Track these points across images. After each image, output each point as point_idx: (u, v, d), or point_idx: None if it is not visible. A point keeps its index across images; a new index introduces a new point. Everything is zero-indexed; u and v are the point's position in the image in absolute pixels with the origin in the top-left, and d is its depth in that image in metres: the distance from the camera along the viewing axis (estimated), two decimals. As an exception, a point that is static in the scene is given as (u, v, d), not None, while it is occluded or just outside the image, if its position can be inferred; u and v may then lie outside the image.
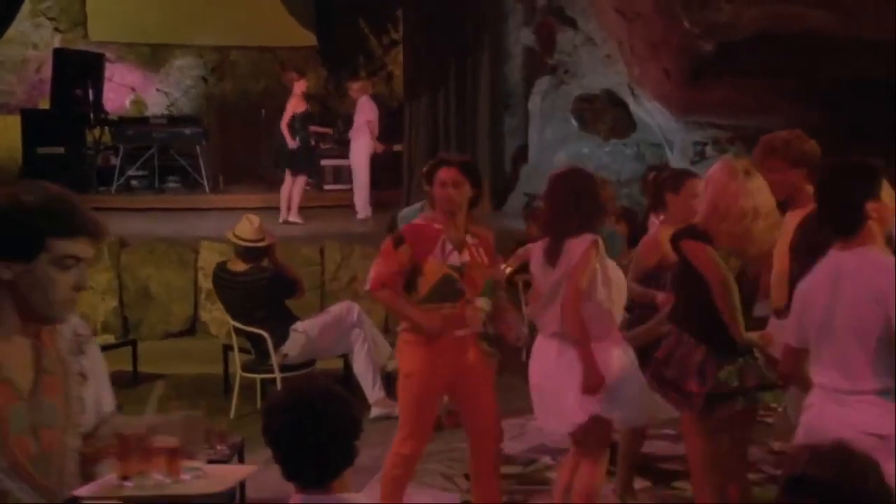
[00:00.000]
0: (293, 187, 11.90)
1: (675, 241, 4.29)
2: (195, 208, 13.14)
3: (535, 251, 4.72)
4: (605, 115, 12.00)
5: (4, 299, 2.36)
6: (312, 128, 12.42)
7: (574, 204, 4.49)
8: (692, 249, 4.19)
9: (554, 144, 12.56)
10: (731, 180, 4.12)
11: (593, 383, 4.43)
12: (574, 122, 12.33)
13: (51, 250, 2.38)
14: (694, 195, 4.99)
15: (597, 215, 4.61)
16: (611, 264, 4.62)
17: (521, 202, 11.97)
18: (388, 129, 13.03)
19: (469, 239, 4.79)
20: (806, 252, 3.84)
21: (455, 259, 4.73)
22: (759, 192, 4.13)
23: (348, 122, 12.87)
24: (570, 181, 4.61)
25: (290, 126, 11.73)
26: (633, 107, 11.45)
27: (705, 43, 8.19)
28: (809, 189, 4.23)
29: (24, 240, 2.36)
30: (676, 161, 10.22)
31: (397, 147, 13.38)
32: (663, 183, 5.28)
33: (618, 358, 4.57)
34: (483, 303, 5.13)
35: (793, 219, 4.32)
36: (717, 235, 4.14)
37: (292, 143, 11.69)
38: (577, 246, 4.47)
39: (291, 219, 11.81)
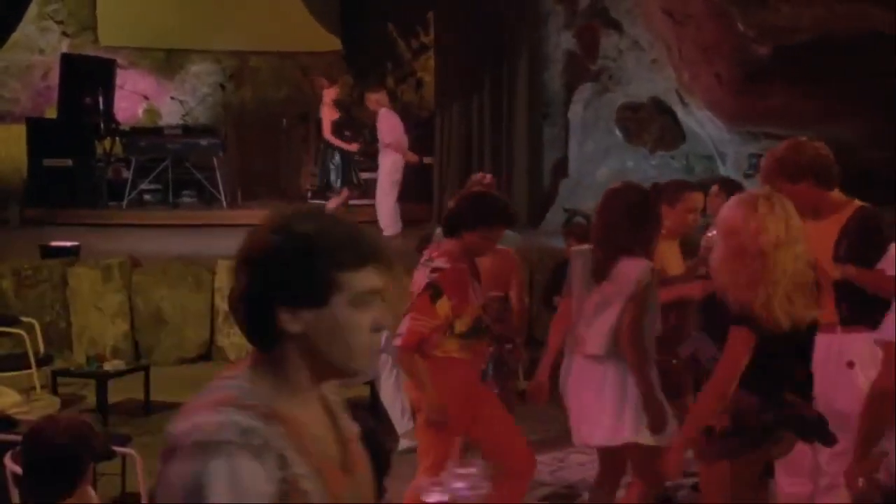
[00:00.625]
0: (330, 202, 12.00)
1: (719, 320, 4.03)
2: (212, 224, 13.15)
3: (576, 264, 4.82)
4: (651, 124, 11.98)
5: (294, 357, 2.01)
6: (337, 142, 12.47)
7: (628, 221, 4.60)
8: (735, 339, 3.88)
9: (596, 157, 12.54)
10: (749, 217, 3.80)
11: (657, 417, 4.54)
12: (618, 133, 12.31)
13: (345, 288, 1.99)
14: (691, 209, 5.21)
15: (652, 233, 4.71)
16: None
17: (561, 218, 11.93)
18: (418, 140, 13.07)
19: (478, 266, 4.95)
20: (864, 251, 3.89)
21: (480, 296, 4.87)
22: (780, 221, 3.80)
23: (375, 132, 12.92)
24: (624, 197, 4.71)
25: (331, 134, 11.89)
26: (681, 116, 11.43)
27: (761, 46, 8.19)
28: (832, 196, 4.27)
29: (313, 281, 1.98)
30: (729, 174, 10.17)
31: (428, 159, 13.39)
32: (659, 194, 5.28)
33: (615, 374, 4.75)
34: None
35: (820, 231, 4.29)
36: (736, 284, 3.85)
37: (354, 147, 11.84)
38: (632, 270, 4.56)
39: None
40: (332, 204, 12.05)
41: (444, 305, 4.67)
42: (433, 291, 4.70)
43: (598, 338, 4.62)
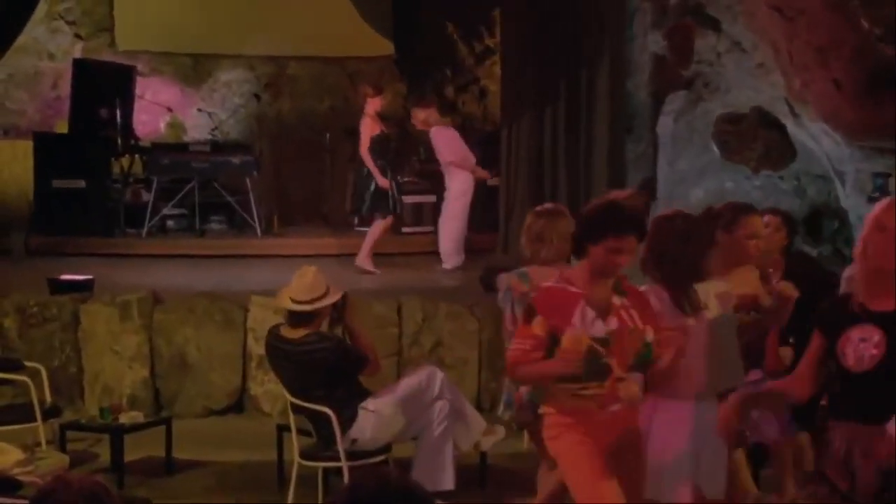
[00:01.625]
0: (372, 228, 11.98)
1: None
2: (244, 255, 13.26)
3: (653, 299, 5.06)
4: (755, 139, 11.82)
5: None
6: (368, 163, 12.25)
7: (676, 250, 5.04)
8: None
9: (689, 177, 12.40)
10: None
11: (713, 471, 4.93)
12: (715, 149, 12.16)
13: None
14: (751, 235, 5.51)
15: (700, 264, 5.08)
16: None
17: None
18: (481, 158, 13.04)
19: (617, 300, 4.88)
20: None
21: (599, 328, 4.80)
22: None
23: (432, 149, 12.90)
24: (672, 225, 5.13)
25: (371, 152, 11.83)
26: (791, 129, 11.28)
27: (888, 46, 8.03)
28: None
29: None
30: (849, 197, 10.01)
31: (492, 180, 13.35)
32: (714, 219, 5.61)
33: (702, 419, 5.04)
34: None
35: None
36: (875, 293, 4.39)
37: (382, 180, 11.77)
38: (703, 294, 5.09)
39: (360, 264, 11.86)
40: (377, 230, 12.00)
41: (539, 325, 4.83)
42: (527, 311, 4.95)
43: (694, 377, 5.04)
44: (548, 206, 6.63)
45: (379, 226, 12.03)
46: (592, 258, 4.83)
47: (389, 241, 13.14)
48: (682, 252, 5.03)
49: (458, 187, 12.24)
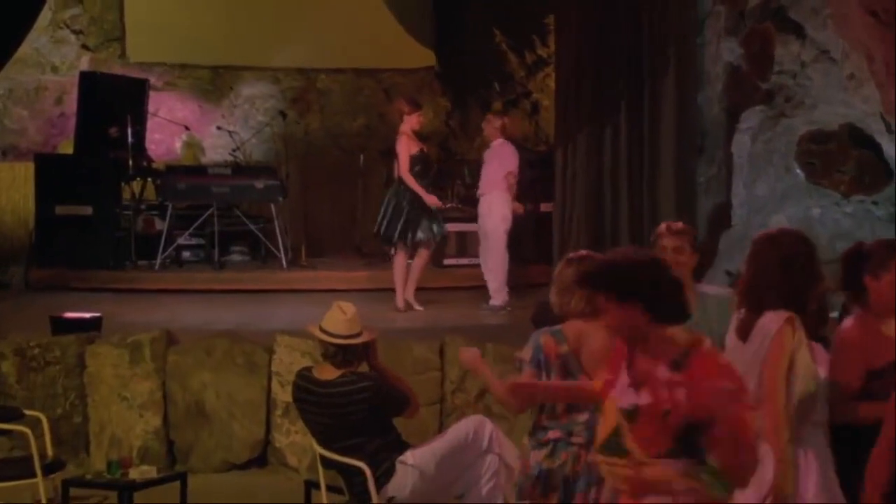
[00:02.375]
0: (415, 261, 11.93)
1: None
2: (268, 290, 13.28)
3: (731, 329, 5.07)
4: (845, 160, 11.72)
5: None
6: (414, 185, 12.18)
7: (780, 274, 4.89)
8: None
9: (769, 202, 12.29)
10: None
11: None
12: (799, 171, 12.05)
13: None
14: None
15: (808, 290, 4.93)
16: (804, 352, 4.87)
17: (722, 283, 11.69)
18: (533, 182, 12.96)
19: (665, 373, 4.38)
20: None
21: (629, 398, 4.42)
22: None
23: (479, 171, 12.84)
24: (779, 245, 4.99)
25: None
26: (887, 148, 11.18)
27: None
28: None
29: None
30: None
31: (546, 206, 13.26)
32: (864, 260, 5.35)
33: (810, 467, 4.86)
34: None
35: None
36: None
37: (432, 200, 11.77)
38: (770, 322, 4.82)
39: (402, 304, 11.82)
40: (418, 261, 11.95)
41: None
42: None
43: None
44: (581, 252, 6.37)
45: (421, 258, 11.98)
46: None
47: (431, 275, 13.08)
48: (784, 279, 4.91)
49: (500, 212, 12.14)
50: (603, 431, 4.47)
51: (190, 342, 9.93)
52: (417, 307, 11.96)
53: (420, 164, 11.94)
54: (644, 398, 4.36)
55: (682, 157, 12.58)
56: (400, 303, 11.92)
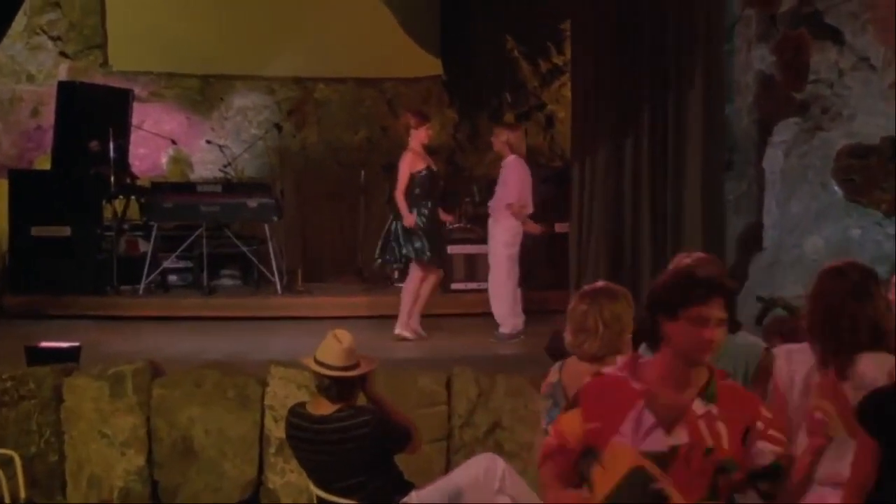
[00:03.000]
0: (421, 286, 11.91)
1: None
2: (262, 317, 13.29)
3: (784, 366, 5.15)
4: (886, 176, 11.71)
5: None
6: (401, 205, 12.17)
7: (856, 305, 5.08)
8: None
9: (804, 222, 12.28)
10: None
11: None
12: (836, 189, 12.04)
13: None
14: None
15: (886, 322, 5.10)
16: None
17: (753, 310, 11.68)
18: (548, 200, 12.94)
19: (701, 406, 4.47)
20: None
21: (660, 441, 4.42)
22: None
23: (489, 188, 12.83)
24: (848, 277, 5.18)
25: (409, 194, 11.74)
26: (934, 164, 11.17)
27: None
28: None
29: None
30: None
31: (561, 227, 13.25)
32: None
33: None
34: None
35: None
36: None
37: (409, 220, 11.71)
38: (872, 368, 4.97)
39: (406, 332, 11.80)
40: (426, 287, 11.95)
41: (574, 419, 4.56)
42: (572, 399, 4.74)
43: (844, 461, 4.76)
44: (597, 285, 6.31)
45: (429, 283, 11.97)
46: (674, 341, 4.46)
47: (436, 300, 13.06)
48: (858, 312, 5.10)
49: (507, 236, 12.11)
50: (609, 482, 4.41)
51: (176, 374, 9.89)
52: (422, 334, 11.94)
53: (426, 184, 11.91)
54: (681, 437, 4.38)
55: (709, 174, 12.59)
56: (406, 329, 11.88)
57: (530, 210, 12.24)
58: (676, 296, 4.47)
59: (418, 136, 11.99)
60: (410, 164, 11.86)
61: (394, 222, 12.14)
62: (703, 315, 4.38)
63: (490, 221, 12.30)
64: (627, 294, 6.02)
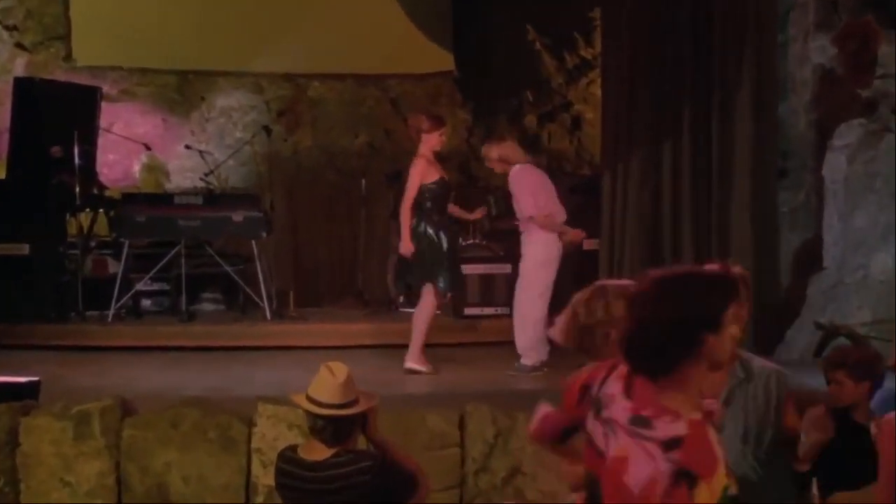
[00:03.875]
0: (418, 310, 11.82)
1: None
2: (249, 347, 13.27)
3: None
4: (968, 187, 11.76)
5: None
6: (452, 209, 12.29)
7: None
8: None
9: (871, 238, 12.29)
10: None
11: None
12: (908, 200, 12.04)
13: None
14: None
15: None
16: None
17: (811, 339, 11.66)
18: (574, 214, 12.88)
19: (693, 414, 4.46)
20: None
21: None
22: None
23: (507, 199, 12.76)
24: None
25: (419, 208, 11.66)
26: None
27: None
28: None
29: None
30: None
31: (589, 244, 13.25)
32: None
33: None
34: None
35: None
36: None
37: (407, 246, 11.62)
38: None
39: (417, 365, 11.72)
40: (422, 312, 11.83)
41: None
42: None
43: None
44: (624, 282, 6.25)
45: (426, 308, 11.85)
46: (715, 351, 4.43)
47: (447, 327, 13.01)
48: None
49: (541, 252, 12.02)
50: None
51: (151, 412, 9.87)
52: (422, 369, 11.80)
53: (439, 198, 11.82)
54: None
55: (760, 183, 12.59)
56: (418, 362, 11.79)
57: (562, 216, 12.10)
58: (718, 302, 4.47)
59: (430, 142, 11.88)
60: (423, 173, 11.76)
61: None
62: (738, 313, 4.44)
63: (522, 238, 12.22)
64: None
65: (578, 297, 5.78)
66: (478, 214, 13.28)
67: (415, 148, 11.98)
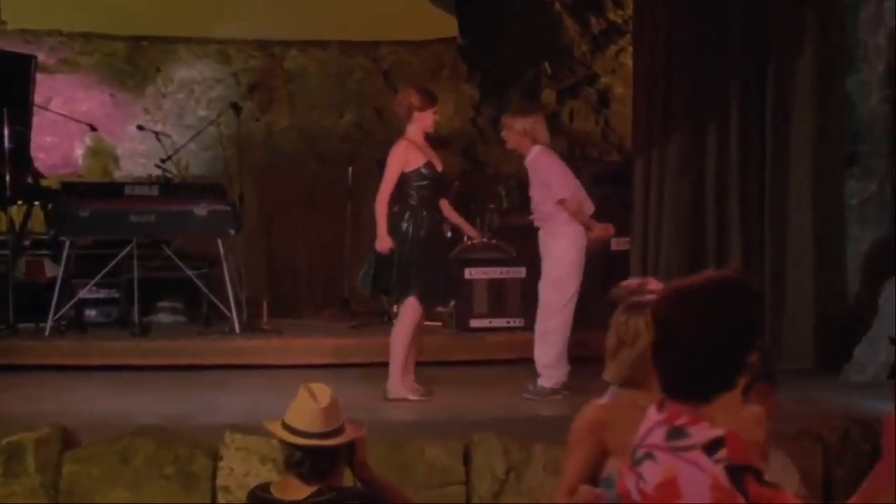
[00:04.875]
0: (396, 328, 11.74)
1: None
2: (214, 366, 13.25)
3: None
4: None
5: None
6: (449, 213, 12.18)
7: None
8: None
9: (960, 237, 12.34)
10: None
11: None
12: None
13: None
14: None
15: None
16: None
17: (884, 356, 11.66)
18: (600, 208, 12.86)
19: None
20: None
21: None
22: None
23: (521, 190, 12.76)
24: None
25: (399, 202, 11.61)
26: None
27: None
28: None
29: None
30: None
31: (619, 243, 13.26)
32: None
33: None
34: None
35: None
36: None
37: (384, 242, 11.54)
38: None
39: (404, 393, 11.68)
40: (400, 330, 11.75)
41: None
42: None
43: None
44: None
45: (405, 324, 11.78)
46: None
47: (449, 344, 12.99)
48: None
49: (569, 250, 11.97)
50: None
51: (96, 444, 9.82)
52: (415, 397, 11.76)
53: (426, 190, 11.71)
54: None
55: (823, 172, 12.61)
56: (403, 390, 11.74)
57: (591, 208, 12.05)
58: (759, 319, 4.65)
59: (421, 122, 11.83)
60: (403, 158, 11.66)
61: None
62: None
63: (541, 235, 12.13)
64: None
65: (619, 320, 5.83)
66: (474, 232, 13.19)
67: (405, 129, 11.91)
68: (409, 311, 11.70)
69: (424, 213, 11.64)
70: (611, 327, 5.82)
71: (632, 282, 6.16)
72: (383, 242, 11.52)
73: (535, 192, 11.97)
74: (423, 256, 11.64)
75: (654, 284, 6.19)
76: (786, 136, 12.56)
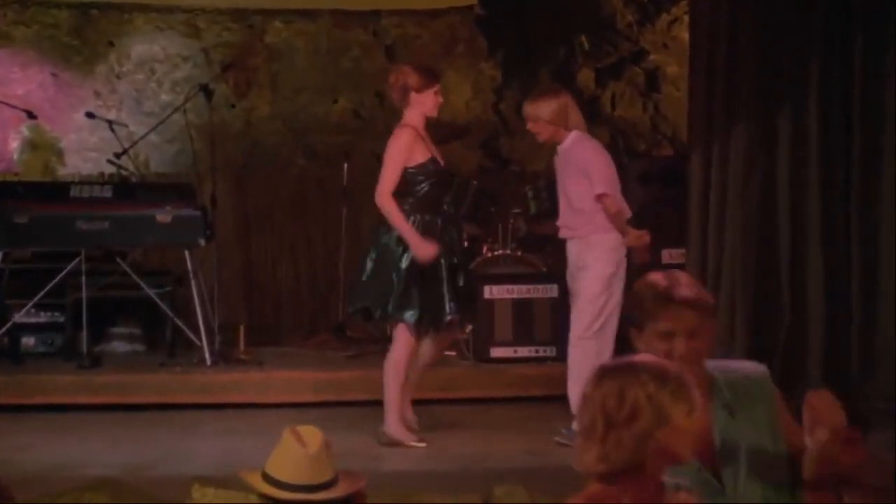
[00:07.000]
0: (389, 359, 11.75)
1: None
2: (180, 405, 13.26)
3: None
4: None
5: None
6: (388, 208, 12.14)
7: None
8: None
9: None
10: None
11: None
12: None
13: None
14: None
15: None
16: None
17: None
18: (649, 210, 12.92)
19: None
20: None
21: None
22: None
23: (552, 191, 12.79)
24: None
25: (399, 203, 11.64)
26: None
27: None
28: None
29: None
30: None
31: (672, 255, 13.31)
32: None
33: None
34: None
35: None
36: None
37: (426, 250, 11.58)
38: None
39: (399, 435, 11.68)
40: (391, 361, 11.76)
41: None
42: None
43: None
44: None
45: (398, 354, 11.77)
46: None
47: (465, 377, 13.04)
48: None
49: (609, 261, 11.97)
50: None
51: (38, 499, 9.87)
52: (410, 442, 11.75)
53: (431, 190, 11.73)
54: None
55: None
56: (397, 431, 11.74)
57: (628, 213, 12.04)
58: None
59: (421, 105, 11.83)
60: (405, 150, 11.65)
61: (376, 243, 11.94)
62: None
63: (571, 247, 12.10)
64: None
65: (607, 387, 5.29)
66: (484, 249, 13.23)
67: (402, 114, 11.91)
68: (402, 337, 11.67)
69: (427, 217, 11.64)
70: (589, 397, 5.31)
71: (660, 278, 6.16)
72: (421, 250, 11.49)
73: (571, 185, 11.88)
74: (421, 271, 11.62)
75: (686, 282, 6.20)
76: (876, 128, 12.54)
